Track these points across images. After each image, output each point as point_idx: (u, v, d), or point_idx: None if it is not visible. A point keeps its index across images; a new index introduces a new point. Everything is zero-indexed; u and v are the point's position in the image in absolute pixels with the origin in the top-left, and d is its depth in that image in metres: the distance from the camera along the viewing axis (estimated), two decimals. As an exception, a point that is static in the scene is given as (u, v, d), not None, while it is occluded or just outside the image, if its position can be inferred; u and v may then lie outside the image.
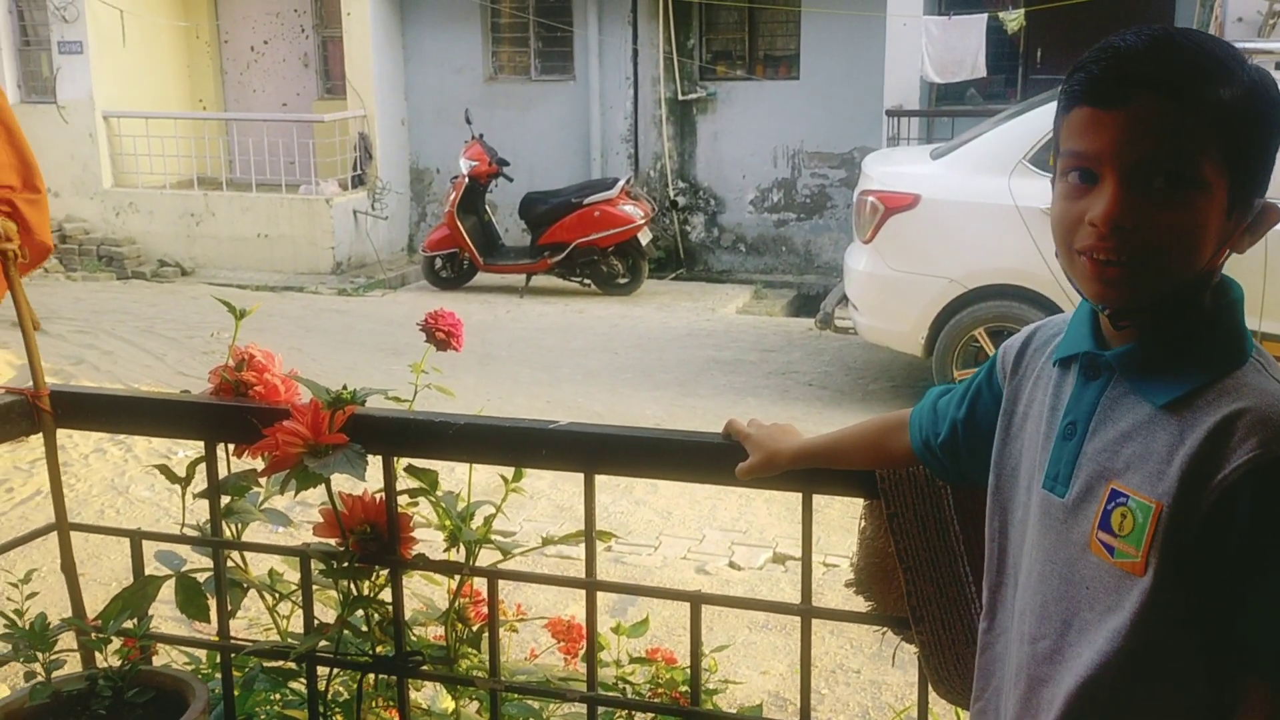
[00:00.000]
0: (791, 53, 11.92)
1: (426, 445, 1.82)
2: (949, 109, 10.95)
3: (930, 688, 1.61)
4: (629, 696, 2.48)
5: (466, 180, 10.62)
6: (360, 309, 10.26)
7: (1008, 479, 1.29)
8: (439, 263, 10.87)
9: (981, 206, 6.46)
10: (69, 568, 2.16)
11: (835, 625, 3.89)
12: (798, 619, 1.83)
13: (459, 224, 10.52)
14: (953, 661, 1.55)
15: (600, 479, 1.79)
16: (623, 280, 10.54)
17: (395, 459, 1.86)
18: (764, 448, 1.59)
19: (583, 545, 1.82)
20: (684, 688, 2.55)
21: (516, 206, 10.94)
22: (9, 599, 1.95)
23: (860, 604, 1.72)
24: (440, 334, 2.20)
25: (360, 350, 8.25)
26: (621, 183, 10.55)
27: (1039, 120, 6.49)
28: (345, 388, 1.81)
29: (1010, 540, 1.29)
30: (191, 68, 13.80)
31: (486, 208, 10.94)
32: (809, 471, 1.62)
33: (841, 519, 4.72)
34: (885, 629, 1.68)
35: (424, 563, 1.88)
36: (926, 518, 1.54)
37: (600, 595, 1.87)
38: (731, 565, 4.85)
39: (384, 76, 12.51)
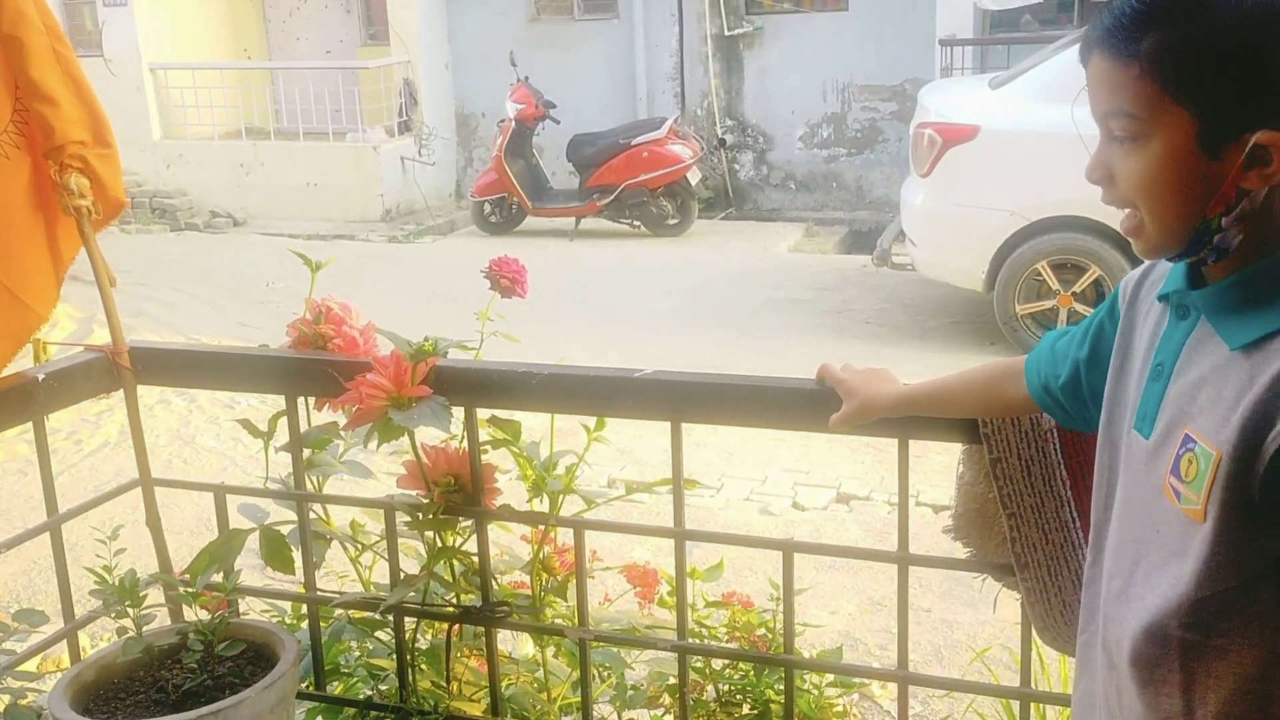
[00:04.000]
0: (839, -18, 11.65)
1: (509, 396, 1.80)
2: (1004, 37, 10.65)
3: (1035, 634, 1.57)
4: (708, 642, 2.48)
5: (513, 124, 10.53)
6: (412, 256, 10.26)
7: (1120, 415, 1.25)
8: (488, 208, 10.82)
9: (1044, 136, 6.28)
10: (154, 523, 2.18)
11: (902, 565, 3.89)
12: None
13: (507, 168, 10.45)
14: (1059, 609, 1.51)
15: (656, 424, 1.75)
16: (672, 221, 10.44)
17: (477, 410, 1.84)
18: (859, 394, 1.55)
19: (651, 492, 1.80)
20: (760, 631, 2.54)
21: (564, 149, 10.83)
22: (96, 555, 1.97)
23: (955, 549, 1.68)
24: (505, 280, 2.18)
25: (415, 298, 8.27)
26: (669, 122, 10.41)
27: (1103, 45, 6.29)
28: (427, 339, 1.78)
29: (1119, 476, 1.25)
30: (235, 17, 13.76)
31: (534, 151, 10.85)
32: (903, 417, 1.58)
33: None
34: (985, 575, 1.65)
35: (509, 514, 1.87)
36: (1032, 462, 1.49)
37: (667, 539, 1.85)
38: (795, 506, 4.83)
39: (427, 21, 12.39)
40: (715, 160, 11.86)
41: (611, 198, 10.29)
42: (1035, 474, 1.49)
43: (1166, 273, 1.22)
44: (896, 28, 11.06)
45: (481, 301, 2.16)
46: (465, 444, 1.86)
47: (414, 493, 1.90)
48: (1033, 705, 2.24)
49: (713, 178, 11.76)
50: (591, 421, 1.89)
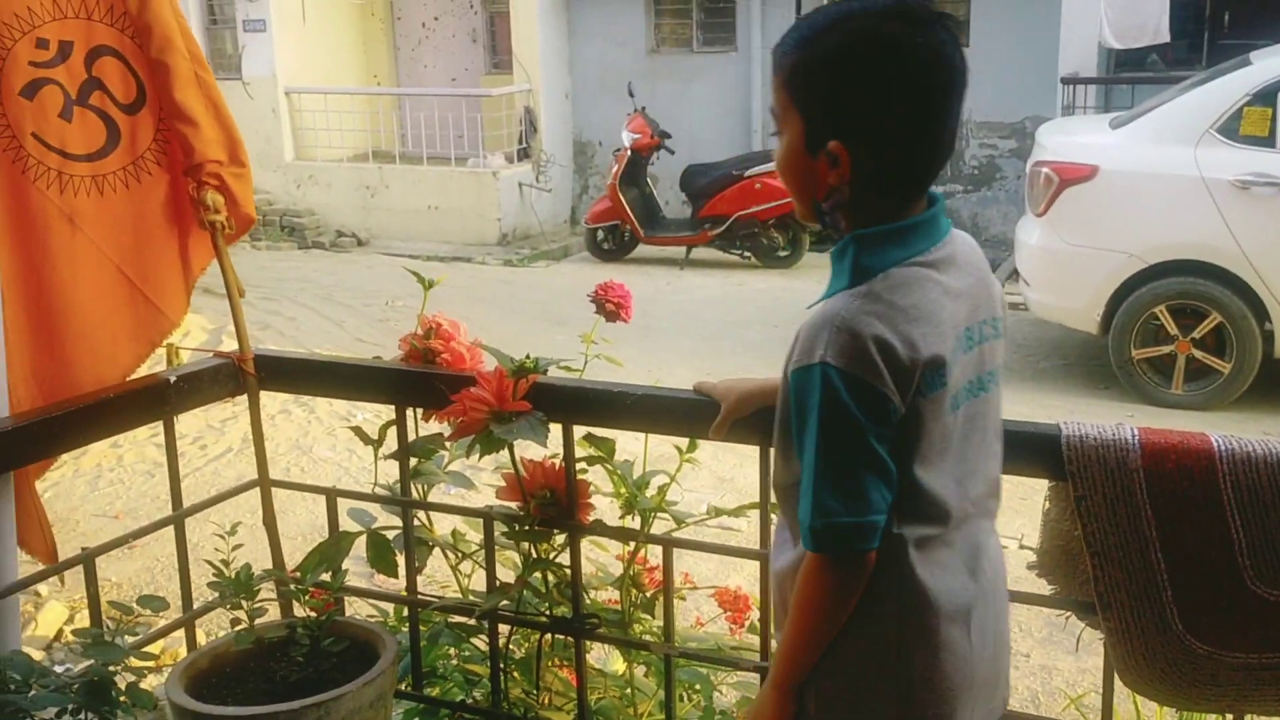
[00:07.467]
0: (962, 17, 11.54)
1: (604, 414, 1.87)
2: (1129, 76, 10.43)
3: (1116, 675, 1.57)
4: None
5: (629, 153, 10.69)
6: (525, 279, 10.47)
7: None
8: (601, 234, 11.00)
9: (1164, 178, 6.16)
10: (270, 522, 2.30)
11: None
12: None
13: (621, 196, 10.61)
14: (1141, 650, 1.51)
15: (749, 449, 1.80)
16: (783, 253, 10.46)
17: (574, 426, 1.91)
18: (729, 395, 1.73)
19: (742, 518, 1.85)
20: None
21: (677, 179, 10.95)
22: (215, 549, 2.09)
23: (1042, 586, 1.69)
24: (610, 305, 2.24)
25: (525, 320, 8.44)
26: (784, 154, 10.43)
27: (1227, 87, 6.14)
28: (528, 357, 1.86)
29: None
30: (366, 44, 14.28)
31: (648, 180, 11.00)
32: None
33: (1009, 499, 4.61)
34: (1069, 613, 1.65)
35: (601, 528, 1.93)
36: (1117, 502, 1.50)
37: (757, 564, 1.88)
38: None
39: (549, 50, 12.68)
40: (829, 194, 11.82)
41: (723, 228, 10.36)
42: (1120, 514, 1.50)
43: None
44: (1018, 64, 10.91)
45: (590, 325, 2.23)
46: (562, 459, 1.93)
47: (512, 505, 1.97)
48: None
49: (826, 211, 11.72)
50: (684, 444, 1.94)
